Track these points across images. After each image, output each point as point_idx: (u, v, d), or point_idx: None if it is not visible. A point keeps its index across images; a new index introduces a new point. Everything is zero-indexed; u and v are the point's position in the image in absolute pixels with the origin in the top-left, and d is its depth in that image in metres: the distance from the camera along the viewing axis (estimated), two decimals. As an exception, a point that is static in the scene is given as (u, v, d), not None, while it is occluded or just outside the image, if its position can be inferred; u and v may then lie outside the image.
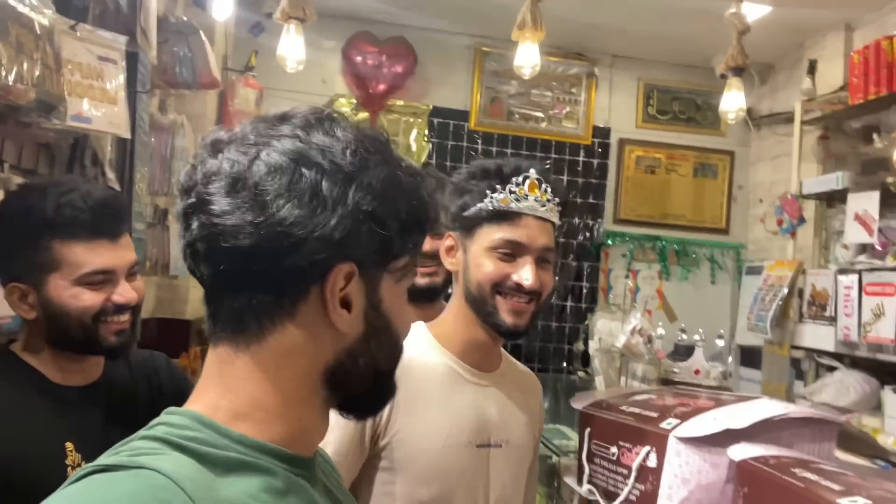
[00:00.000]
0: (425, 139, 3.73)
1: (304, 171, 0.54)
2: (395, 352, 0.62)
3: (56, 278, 1.02)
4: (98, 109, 1.38)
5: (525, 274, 1.05)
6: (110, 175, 1.73)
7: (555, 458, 1.60)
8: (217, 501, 0.48)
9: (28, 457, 0.98)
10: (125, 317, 1.08)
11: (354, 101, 3.68)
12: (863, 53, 2.89)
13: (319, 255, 0.54)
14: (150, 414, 1.22)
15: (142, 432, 0.54)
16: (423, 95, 3.77)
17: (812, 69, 3.34)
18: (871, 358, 2.69)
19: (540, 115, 3.87)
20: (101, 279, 1.04)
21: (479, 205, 1.07)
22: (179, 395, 1.28)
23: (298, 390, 0.57)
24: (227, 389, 0.56)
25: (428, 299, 1.54)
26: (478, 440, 1.09)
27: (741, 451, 0.97)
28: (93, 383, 1.12)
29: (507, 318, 1.07)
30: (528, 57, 1.90)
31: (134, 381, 1.20)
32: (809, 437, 1.10)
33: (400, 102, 3.71)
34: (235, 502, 0.50)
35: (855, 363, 2.86)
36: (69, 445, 1.04)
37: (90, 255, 1.03)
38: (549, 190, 1.08)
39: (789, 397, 3.08)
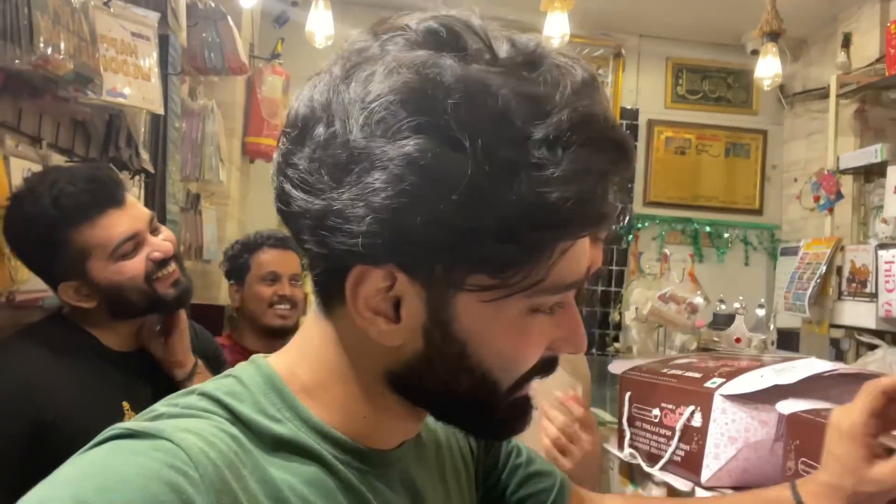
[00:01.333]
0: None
1: (319, 126, 0.43)
2: (485, 385, 0.46)
3: (94, 262, 1.05)
4: (132, 85, 1.40)
5: None
6: (144, 156, 1.75)
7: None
8: (243, 492, 0.42)
9: (92, 415, 1.00)
10: (172, 267, 1.12)
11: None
12: (901, 22, 2.81)
13: (338, 248, 0.42)
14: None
15: (210, 383, 0.49)
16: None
17: (847, 42, 3.25)
18: (916, 334, 2.62)
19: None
20: (132, 245, 1.07)
21: None
22: (213, 357, 1.33)
23: (362, 384, 0.48)
24: (305, 355, 0.50)
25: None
26: None
27: (791, 406, 0.95)
28: (138, 350, 1.17)
29: None
30: (557, 26, 1.87)
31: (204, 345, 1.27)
32: (856, 394, 1.07)
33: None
34: (266, 494, 0.43)
35: (897, 341, 2.78)
36: (126, 405, 1.08)
37: (108, 230, 1.05)
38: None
39: (829, 378, 3.01)
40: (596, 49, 3.86)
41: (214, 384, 0.48)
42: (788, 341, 3.31)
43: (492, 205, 0.40)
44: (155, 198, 1.91)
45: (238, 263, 1.80)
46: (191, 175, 2.29)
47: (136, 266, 1.08)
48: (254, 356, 0.52)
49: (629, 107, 3.91)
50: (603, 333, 3.79)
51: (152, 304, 1.11)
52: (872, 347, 2.89)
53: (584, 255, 0.46)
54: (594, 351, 3.75)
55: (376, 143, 0.40)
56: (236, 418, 0.45)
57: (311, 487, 0.45)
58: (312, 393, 0.48)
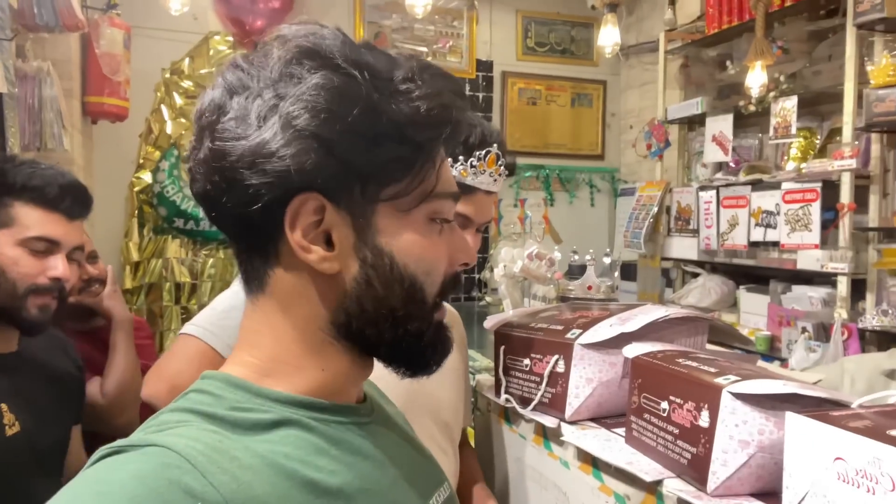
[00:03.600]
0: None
1: (235, 98, 0.50)
2: (414, 294, 0.54)
3: (3, 234, 1.06)
4: (-32, 63, 1.28)
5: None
6: (-20, 132, 1.60)
7: (471, 378, 1.74)
8: (242, 469, 0.45)
9: None
10: (54, 297, 1.11)
11: (231, 38, 3.51)
12: (716, -15, 3.14)
13: (257, 190, 0.48)
14: (71, 382, 1.26)
15: (174, 402, 0.52)
16: (303, 32, 3.65)
17: (673, 0, 3.58)
18: (728, 263, 3.07)
19: (424, 49, 3.89)
20: (44, 248, 1.08)
21: None
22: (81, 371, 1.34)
23: (310, 341, 0.54)
24: (252, 345, 0.55)
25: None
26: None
27: (634, 350, 1.14)
28: (14, 352, 1.13)
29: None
30: (419, -4, 1.92)
31: (51, 351, 1.23)
32: (686, 333, 1.30)
33: (280, 40, 3.58)
34: (264, 466, 0.47)
35: (714, 269, 3.24)
36: (3, 406, 1.05)
37: (41, 222, 1.07)
38: (503, 164, 1.07)
39: (661, 303, 3.45)
40: (450, 1, 3.92)
41: (182, 402, 0.52)
42: (627, 272, 3.72)
43: (385, 113, 0.50)
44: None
45: None
46: (30, 145, 2.10)
47: (30, 266, 1.06)
48: (204, 371, 0.56)
49: (484, 59, 4.04)
50: (479, 285, 3.96)
51: (12, 311, 1.08)
52: (695, 275, 3.35)
53: (450, 172, 0.59)
54: (462, 297, 3.96)
55: (289, 87, 0.49)
56: (213, 419, 0.49)
57: (299, 449, 0.50)
58: (270, 370, 0.54)
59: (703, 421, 0.91)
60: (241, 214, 0.50)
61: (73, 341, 1.46)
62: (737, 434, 0.87)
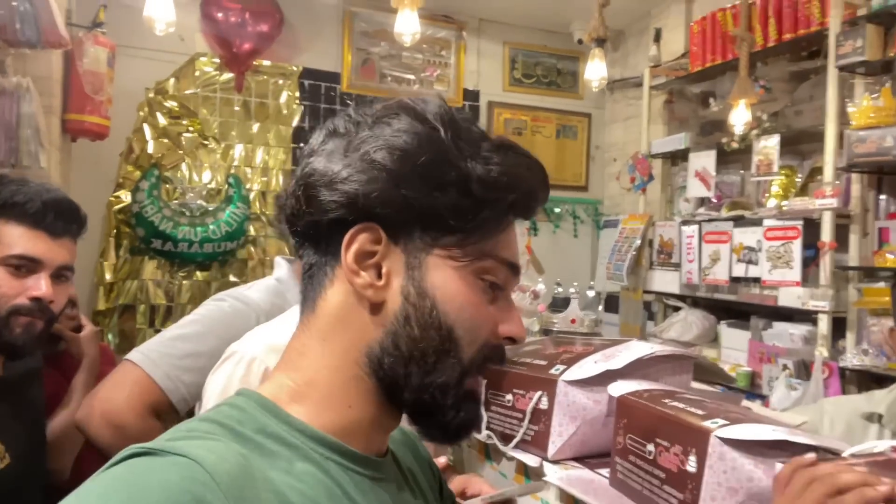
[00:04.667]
0: (296, 102, 3.63)
1: (337, 135, 0.57)
2: (448, 344, 0.55)
3: None
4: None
5: None
6: (-47, 147, 1.55)
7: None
8: (258, 500, 0.46)
9: None
10: (37, 316, 1.06)
11: (217, 60, 3.49)
12: (701, 24, 3.20)
13: (328, 205, 0.54)
14: (40, 410, 1.22)
15: (211, 412, 0.54)
16: (292, 57, 3.65)
17: (658, 37, 3.64)
18: (710, 297, 3.08)
19: (412, 77, 3.90)
20: (26, 266, 1.04)
21: None
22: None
23: (345, 369, 0.55)
24: (292, 366, 0.57)
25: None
26: None
27: (619, 388, 1.12)
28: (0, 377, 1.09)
29: None
30: (407, 25, 1.92)
31: (27, 378, 1.20)
32: (671, 371, 1.28)
33: (267, 63, 3.58)
34: (280, 501, 0.48)
35: (696, 303, 3.24)
36: None
37: (23, 240, 1.03)
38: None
39: (643, 336, 3.45)
40: (438, 31, 3.95)
41: (214, 413, 0.53)
42: (610, 304, 3.72)
43: (456, 168, 0.55)
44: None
45: None
46: (5, 161, 2.05)
47: (10, 286, 1.02)
48: (242, 389, 0.57)
49: (471, 88, 4.07)
50: None
51: None
52: (677, 309, 3.35)
53: (516, 244, 0.61)
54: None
55: (377, 127, 0.55)
56: (239, 437, 0.50)
57: (314, 490, 0.51)
58: (301, 396, 0.55)
59: (691, 466, 0.88)
60: (313, 229, 0.56)
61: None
62: (725, 481, 0.84)
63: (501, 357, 0.59)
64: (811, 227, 2.48)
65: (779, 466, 0.77)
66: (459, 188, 0.54)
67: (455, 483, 1.05)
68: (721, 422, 0.88)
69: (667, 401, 1.01)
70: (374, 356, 0.55)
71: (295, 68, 3.63)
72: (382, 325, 0.55)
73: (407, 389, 0.55)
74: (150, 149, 3.38)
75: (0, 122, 2.01)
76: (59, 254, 1.09)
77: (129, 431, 1.10)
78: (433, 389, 0.55)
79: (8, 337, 1.05)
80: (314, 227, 0.56)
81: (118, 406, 1.12)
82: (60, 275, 1.10)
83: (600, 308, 2.47)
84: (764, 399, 2.53)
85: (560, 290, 1.81)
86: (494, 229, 0.57)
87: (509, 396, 1.27)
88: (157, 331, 3.38)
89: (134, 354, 1.19)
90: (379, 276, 0.55)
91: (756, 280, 2.73)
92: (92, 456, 1.14)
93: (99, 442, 1.12)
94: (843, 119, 2.39)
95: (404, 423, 0.61)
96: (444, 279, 0.55)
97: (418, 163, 0.53)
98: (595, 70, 2.51)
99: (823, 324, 2.41)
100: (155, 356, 1.17)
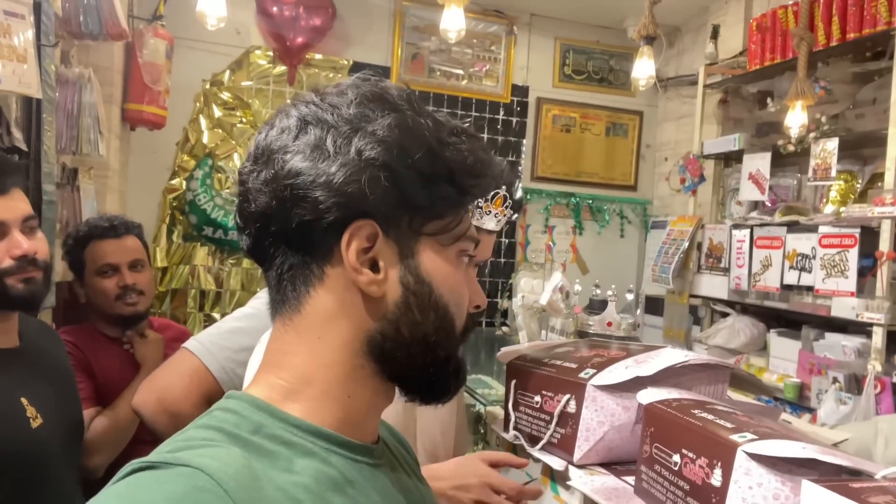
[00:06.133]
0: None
1: (311, 128, 0.55)
2: (446, 322, 0.58)
3: None
4: (6, 68, 1.31)
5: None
6: (17, 135, 1.64)
7: (479, 407, 1.71)
8: (265, 500, 0.47)
9: None
10: (31, 270, 1.09)
11: (271, 53, 3.57)
12: (760, 21, 3.09)
13: (326, 207, 0.53)
14: (68, 372, 1.28)
15: (199, 419, 0.54)
16: (342, 50, 3.70)
17: (715, 34, 3.53)
18: (759, 304, 2.98)
19: (461, 72, 3.90)
20: None
21: None
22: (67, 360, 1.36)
23: (343, 363, 0.56)
24: (280, 367, 0.57)
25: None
26: None
27: (648, 396, 1.10)
28: (18, 346, 1.14)
29: None
30: (453, 21, 1.92)
31: (47, 343, 1.26)
32: (706, 380, 1.25)
33: (319, 57, 3.63)
34: (287, 497, 0.49)
35: (745, 309, 3.15)
36: (24, 400, 1.06)
37: None
38: (509, 205, 1.11)
39: (687, 342, 3.36)
40: (489, 26, 3.93)
41: (208, 418, 0.53)
42: (654, 307, 3.65)
43: (441, 158, 0.57)
44: (30, 178, 1.79)
45: (74, 260, 1.73)
46: (66, 148, 2.14)
47: None
48: (230, 391, 0.57)
49: (520, 84, 4.04)
50: (491, 321, 3.93)
51: None
52: (724, 315, 3.25)
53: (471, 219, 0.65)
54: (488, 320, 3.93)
55: (363, 123, 0.55)
56: (237, 440, 0.51)
57: (319, 483, 0.51)
58: (295, 393, 0.56)
59: (716, 479, 0.86)
60: (297, 230, 0.54)
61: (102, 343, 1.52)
62: (750, 497, 0.82)
63: (474, 324, 0.65)
64: (869, 235, 2.37)
65: (806, 484, 0.75)
66: (446, 179, 0.57)
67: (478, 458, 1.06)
68: (749, 436, 0.86)
69: (696, 411, 0.99)
70: (376, 344, 0.56)
71: (345, 62, 3.68)
72: (383, 316, 0.56)
73: (411, 368, 0.57)
74: (205, 139, 3.49)
75: (62, 111, 2.10)
76: (17, 208, 1.10)
77: (184, 419, 1.13)
78: (436, 365, 0.58)
79: (14, 294, 1.08)
80: (303, 227, 0.54)
81: (176, 394, 1.16)
82: (30, 227, 1.11)
83: (639, 312, 2.43)
84: (812, 412, 2.44)
85: (598, 292, 1.79)
86: (465, 211, 0.61)
87: (537, 398, 1.26)
88: (207, 315, 3.50)
89: (192, 344, 1.22)
90: (376, 269, 0.56)
91: (809, 288, 2.63)
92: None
93: (155, 427, 1.17)
94: (909, 123, 2.27)
95: None
96: (436, 263, 0.58)
97: (415, 158, 0.55)
98: (643, 68, 2.46)
99: (878, 337, 2.30)
100: (214, 348, 1.20)
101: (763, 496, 0.82)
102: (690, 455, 0.92)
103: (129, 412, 1.53)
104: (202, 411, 1.18)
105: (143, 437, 1.46)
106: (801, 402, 2.57)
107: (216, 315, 3.46)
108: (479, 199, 1.05)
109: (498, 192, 1.08)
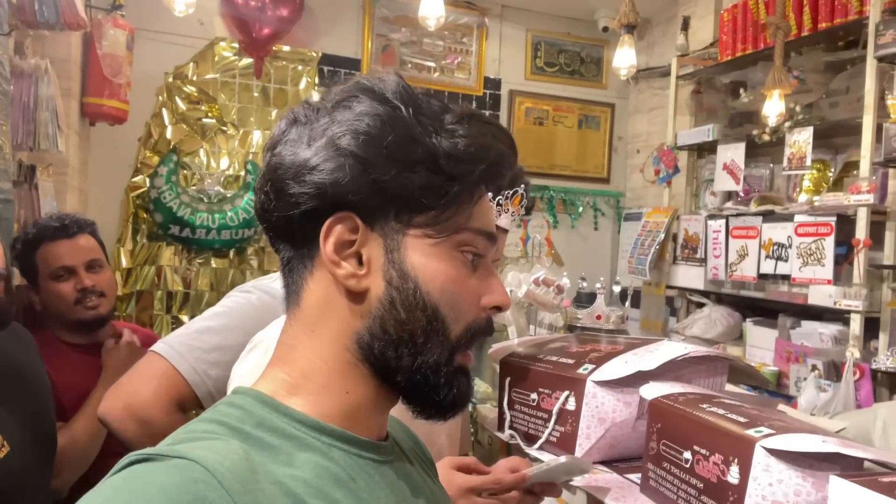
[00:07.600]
0: (315, 88, 3.59)
1: (298, 124, 0.56)
2: (435, 324, 0.55)
3: None
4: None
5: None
6: (-31, 129, 1.53)
7: (469, 407, 1.66)
8: (262, 493, 0.46)
9: None
10: None
11: (236, 45, 3.45)
12: (731, 12, 3.10)
13: (299, 199, 0.53)
14: (42, 379, 1.19)
15: (204, 413, 0.53)
16: (311, 42, 3.60)
17: (686, 25, 3.54)
18: (735, 294, 3.00)
19: (433, 64, 3.84)
20: None
21: None
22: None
23: (336, 357, 0.55)
24: (285, 361, 0.57)
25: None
26: None
27: (652, 391, 1.06)
28: None
29: None
30: (432, 8, 1.86)
31: (17, 348, 1.18)
32: (705, 373, 1.22)
33: (286, 48, 3.53)
34: (284, 492, 0.48)
35: (720, 299, 3.16)
36: None
37: None
38: (525, 204, 1.10)
39: (664, 332, 3.37)
40: (460, 17, 3.88)
41: (213, 412, 0.53)
42: (632, 299, 3.65)
43: (422, 145, 0.54)
44: (-17, 175, 1.67)
45: (25, 265, 1.61)
46: (23, 144, 2.02)
47: None
48: (238, 387, 0.56)
49: (492, 76, 3.99)
50: None
51: None
52: (700, 305, 3.27)
53: (491, 212, 0.60)
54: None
55: (340, 114, 0.54)
56: (239, 434, 0.50)
57: (319, 478, 0.50)
58: (298, 388, 0.55)
59: (733, 477, 0.83)
60: (286, 223, 0.55)
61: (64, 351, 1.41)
62: (770, 494, 0.79)
63: (489, 329, 0.59)
64: (844, 223, 2.39)
65: (833, 480, 0.72)
66: (428, 166, 0.54)
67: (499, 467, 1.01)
68: (765, 430, 0.83)
69: (704, 405, 0.96)
70: (364, 342, 0.55)
71: (314, 54, 3.59)
72: (368, 311, 0.55)
73: (399, 372, 0.55)
74: (169, 134, 3.36)
75: (18, 105, 1.98)
76: None
77: (154, 426, 1.06)
78: (425, 369, 0.55)
79: None
80: (287, 220, 0.55)
81: (144, 400, 1.09)
82: None
83: (627, 304, 2.41)
84: (791, 400, 2.46)
85: (585, 284, 1.75)
86: (467, 202, 0.56)
87: (534, 395, 1.22)
88: (174, 317, 3.38)
89: (160, 346, 1.15)
90: (360, 263, 0.55)
91: (785, 277, 2.65)
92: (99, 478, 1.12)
93: (124, 436, 1.09)
94: (882, 112, 2.29)
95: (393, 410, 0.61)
96: (424, 258, 0.55)
97: (384, 144, 0.53)
98: (624, 57, 2.43)
99: (856, 324, 2.33)
100: (182, 349, 1.13)
101: (784, 493, 0.79)
102: (703, 452, 0.89)
103: (89, 427, 1.43)
104: (174, 416, 1.11)
105: (114, 449, 1.36)
106: (779, 391, 2.59)
107: (184, 317, 3.34)
108: (500, 197, 1.03)
109: (518, 191, 1.06)
